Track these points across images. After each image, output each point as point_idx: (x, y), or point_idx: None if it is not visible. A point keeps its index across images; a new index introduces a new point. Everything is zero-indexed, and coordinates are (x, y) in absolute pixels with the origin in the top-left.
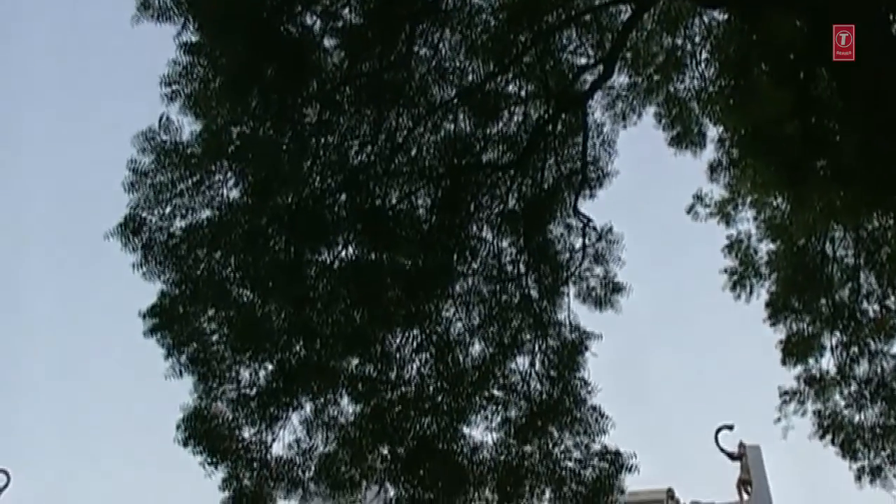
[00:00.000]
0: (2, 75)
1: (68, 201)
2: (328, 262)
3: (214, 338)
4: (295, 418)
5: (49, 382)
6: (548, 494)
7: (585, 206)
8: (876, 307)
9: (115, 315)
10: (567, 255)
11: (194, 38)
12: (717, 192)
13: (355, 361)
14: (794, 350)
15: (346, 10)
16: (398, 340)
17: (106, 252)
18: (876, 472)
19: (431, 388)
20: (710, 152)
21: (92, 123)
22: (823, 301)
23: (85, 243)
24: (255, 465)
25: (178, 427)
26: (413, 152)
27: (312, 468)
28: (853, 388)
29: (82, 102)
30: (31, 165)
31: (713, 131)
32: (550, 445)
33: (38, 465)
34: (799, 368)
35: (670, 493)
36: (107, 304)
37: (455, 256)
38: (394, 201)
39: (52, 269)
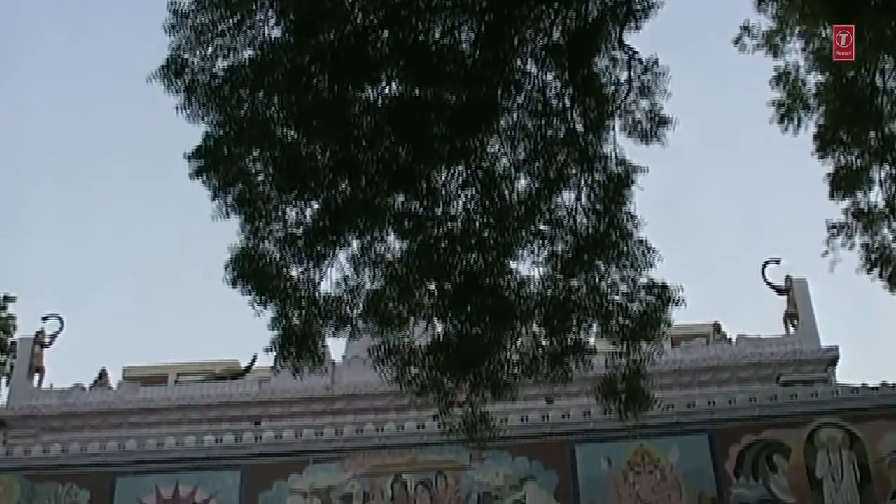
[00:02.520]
0: None
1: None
2: (372, 98)
3: (260, 178)
4: (342, 256)
5: (103, 232)
6: (595, 328)
7: (631, 39)
8: None
9: (161, 159)
10: (612, 88)
11: None
12: (765, 23)
13: (401, 198)
14: (843, 183)
15: None
16: (444, 176)
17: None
18: None
19: (478, 224)
20: None
21: None
22: (872, 134)
23: None
24: (303, 303)
25: (226, 267)
26: None
27: (360, 305)
28: None
29: None
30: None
31: None
32: (597, 279)
33: (91, 311)
34: (847, 202)
35: (717, 327)
36: (153, 149)
37: (499, 91)
38: (437, 36)
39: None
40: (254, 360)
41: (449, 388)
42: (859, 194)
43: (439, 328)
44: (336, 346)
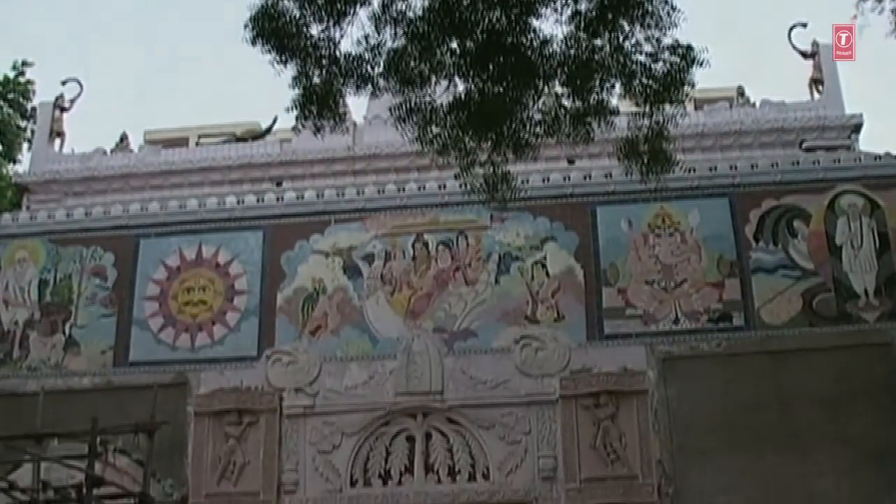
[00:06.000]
0: None
1: None
2: None
3: None
4: (362, 14)
5: None
6: (618, 89)
7: None
8: None
9: None
10: None
11: None
12: None
13: None
14: None
15: None
16: None
17: None
18: None
19: None
20: None
21: None
22: None
23: None
24: (323, 61)
25: (245, 26)
26: None
27: (381, 64)
28: None
29: None
30: None
31: None
32: (621, 39)
33: (110, 74)
34: None
35: (740, 90)
36: None
37: None
38: None
39: None
40: (274, 120)
41: (470, 148)
42: None
43: (461, 87)
44: (357, 107)
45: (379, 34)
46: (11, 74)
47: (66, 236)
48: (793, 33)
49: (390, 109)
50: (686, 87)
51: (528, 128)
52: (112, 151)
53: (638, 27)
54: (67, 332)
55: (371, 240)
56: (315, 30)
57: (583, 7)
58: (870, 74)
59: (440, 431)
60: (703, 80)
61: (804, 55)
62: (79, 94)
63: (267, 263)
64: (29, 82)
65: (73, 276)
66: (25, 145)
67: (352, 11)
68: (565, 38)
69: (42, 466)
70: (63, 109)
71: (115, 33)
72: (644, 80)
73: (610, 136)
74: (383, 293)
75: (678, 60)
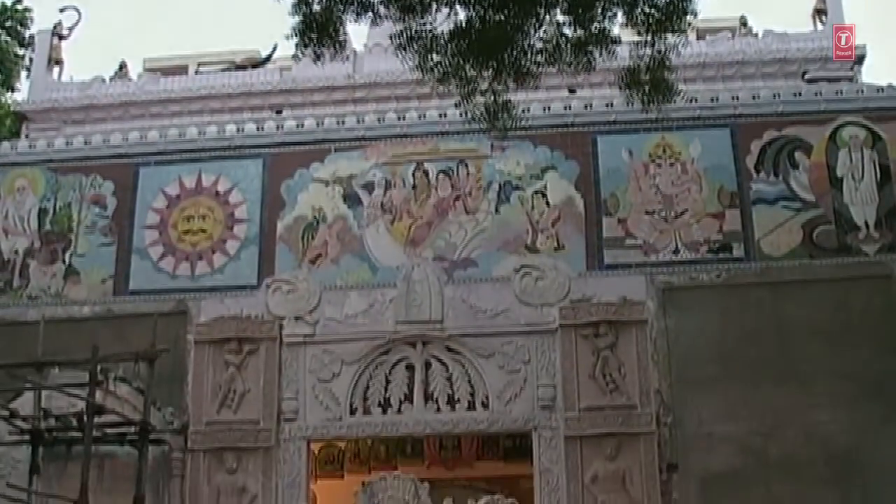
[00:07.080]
0: None
1: None
2: None
3: None
4: None
5: None
6: (620, 17)
7: None
8: None
9: None
10: None
11: None
12: None
13: None
14: None
15: None
16: None
17: None
18: None
19: None
20: None
21: None
22: None
23: None
24: None
25: None
26: None
27: None
28: None
29: None
30: None
31: None
32: None
33: (109, 2)
34: None
35: (743, 20)
36: None
37: None
38: None
39: None
40: (274, 48)
41: (471, 76)
42: None
43: (462, 14)
44: (357, 35)
45: None
46: (9, 2)
47: (65, 165)
48: None
49: (391, 37)
50: (688, 17)
51: (529, 56)
52: (111, 79)
53: None
54: (67, 260)
55: (371, 168)
56: None
57: None
58: (873, 6)
59: (440, 360)
60: (705, 9)
61: None
62: (77, 22)
63: (267, 192)
64: (27, 10)
65: (73, 205)
66: (24, 73)
67: None
68: None
69: (43, 395)
70: (61, 37)
71: None
72: (646, 9)
73: (611, 65)
74: (383, 222)
75: None
